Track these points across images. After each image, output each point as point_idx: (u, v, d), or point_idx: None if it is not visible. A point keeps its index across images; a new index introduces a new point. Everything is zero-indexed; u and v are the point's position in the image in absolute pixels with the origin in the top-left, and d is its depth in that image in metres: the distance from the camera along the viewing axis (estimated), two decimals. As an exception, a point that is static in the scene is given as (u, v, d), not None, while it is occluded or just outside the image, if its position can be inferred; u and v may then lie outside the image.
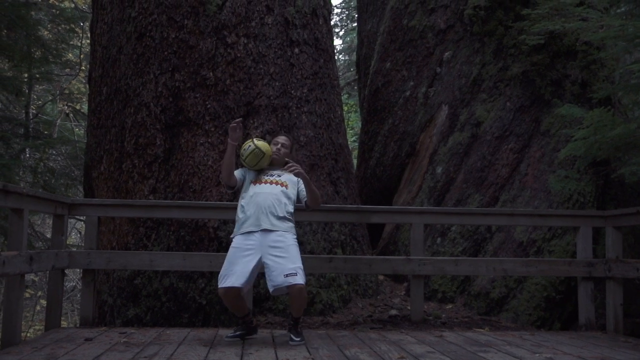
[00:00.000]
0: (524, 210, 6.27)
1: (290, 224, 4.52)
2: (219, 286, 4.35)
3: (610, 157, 6.50)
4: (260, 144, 4.55)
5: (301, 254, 5.97)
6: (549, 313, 6.21)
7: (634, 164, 5.83)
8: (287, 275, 4.25)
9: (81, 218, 11.44)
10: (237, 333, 4.58)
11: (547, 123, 7.05)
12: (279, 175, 4.62)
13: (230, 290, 4.31)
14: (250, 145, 4.52)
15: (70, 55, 13.82)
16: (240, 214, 4.51)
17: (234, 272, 4.31)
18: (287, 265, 4.30)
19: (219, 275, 4.39)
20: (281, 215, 4.44)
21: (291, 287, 4.26)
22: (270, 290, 4.35)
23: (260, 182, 4.55)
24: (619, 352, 4.37)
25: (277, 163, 4.69)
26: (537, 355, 4.15)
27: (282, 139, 4.76)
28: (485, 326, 5.81)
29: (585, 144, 5.90)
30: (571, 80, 7.13)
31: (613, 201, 6.86)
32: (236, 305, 4.47)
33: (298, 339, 4.43)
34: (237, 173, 4.61)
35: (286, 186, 4.57)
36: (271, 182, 4.56)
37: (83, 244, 6.02)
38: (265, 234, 4.39)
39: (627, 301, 5.71)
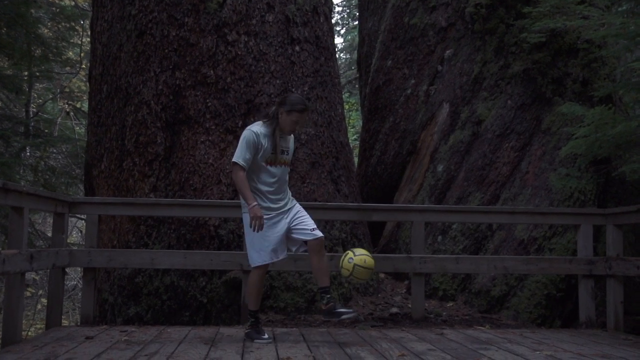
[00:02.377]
0: (524, 208, 6.27)
1: None
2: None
3: (611, 155, 6.50)
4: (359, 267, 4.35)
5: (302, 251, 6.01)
6: (550, 311, 6.21)
7: (634, 162, 5.82)
8: None
9: (82, 217, 11.44)
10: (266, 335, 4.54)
11: (548, 121, 7.04)
12: (288, 153, 4.57)
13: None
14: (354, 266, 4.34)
15: (70, 53, 13.82)
16: (263, 189, 4.44)
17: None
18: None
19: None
20: None
21: None
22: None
23: (276, 164, 4.46)
24: (619, 350, 4.37)
25: (289, 134, 4.58)
26: (538, 352, 4.15)
27: (303, 119, 4.52)
28: (486, 324, 5.81)
29: (586, 142, 5.89)
30: (572, 78, 7.12)
31: (614, 199, 6.86)
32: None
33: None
34: (248, 157, 4.35)
35: (289, 165, 4.66)
36: (285, 164, 4.53)
37: (84, 243, 6.02)
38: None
39: (627, 299, 5.71)
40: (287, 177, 4.61)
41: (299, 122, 4.45)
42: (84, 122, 13.59)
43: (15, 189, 4.24)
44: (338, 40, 23.46)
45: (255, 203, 4.31)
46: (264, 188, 4.42)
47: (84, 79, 14.34)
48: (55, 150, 11.88)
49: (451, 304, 6.53)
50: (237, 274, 5.69)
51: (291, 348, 4.15)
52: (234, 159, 4.35)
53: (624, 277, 5.58)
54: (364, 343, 4.41)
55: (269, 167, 4.42)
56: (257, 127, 4.44)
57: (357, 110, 20.03)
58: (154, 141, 6.16)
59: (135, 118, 6.25)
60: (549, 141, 6.97)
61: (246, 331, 4.53)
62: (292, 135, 4.63)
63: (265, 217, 4.34)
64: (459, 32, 7.80)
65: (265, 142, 4.39)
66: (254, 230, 4.30)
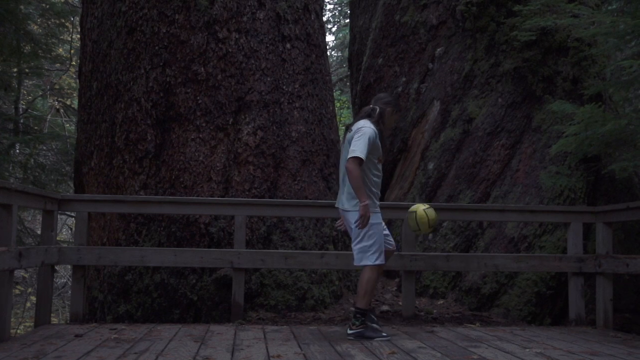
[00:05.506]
0: (515, 206, 6.29)
1: None
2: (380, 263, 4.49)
3: (601, 153, 6.52)
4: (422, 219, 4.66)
5: (293, 249, 6.02)
6: (540, 308, 6.23)
7: (624, 159, 5.85)
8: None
9: (71, 214, 11.40)
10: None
11: (538, 119, 7.06)
12: None
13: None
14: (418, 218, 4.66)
15: (60, 50, 13.76)
16: (374, 189, 4.57)
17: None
18: None
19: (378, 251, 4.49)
20: None
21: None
22: None
23: (381, 162, 4.65)
24: (609, 347, 4.39)
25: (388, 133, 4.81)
26: (528, 350, 4.17)
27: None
28: (476, 322, 5.82)
29: (576, 140, 5.91)
30: (562, 76, 7.14)
31: (603, 197, 6.89)
32: None
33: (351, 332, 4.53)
34: (367, 153, 4.39)
35: None
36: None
37: (73, 240, 5.99)
38: None
39: (616, 296, 5.74)
40: None
41: (397, 121, 4.65)
42: (73, 119, 13.53)
43: (4, 186, 4.21)
44: (329, 38, 23.46)
45: (369, 201, 4.40)
46: (374, 189, 4.56)
47: (74, 76, 14.28)
48: (44, 148, 11.83)
49: (442, 302, 6.55)
50: (228, 271, 5.68)
51: (282, 346, 4.15)
52: (356, 153, 4.30)
53: (613, 274, 5.61)
54: (354, 341, 4.41)
55: (379, 164, 4.57)
56: (373, 126, 4.51)
57: (348, 108, 20.04)
58: (144, 138, 6.13)
59: (126, 115, 6.22)
60: (540, 139, 6.99)
61: (355, 331, 4.46)
62: None
63: (377, 216, 4.51)
64: (450, 30, 7.81)
65: (378, 141, 4.50)
66: (359, 228, 4.38)
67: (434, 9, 8.00)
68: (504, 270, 6.01)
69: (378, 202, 4.58)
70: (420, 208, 4.69)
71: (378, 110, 4.60)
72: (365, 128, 4.42)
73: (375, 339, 4.40)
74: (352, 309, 4.55)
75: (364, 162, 4.36)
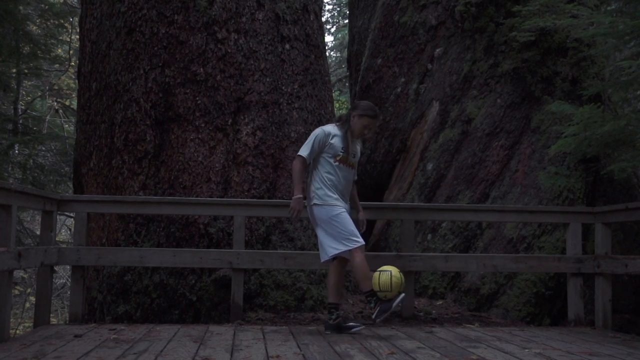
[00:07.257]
0: (514, 206, 6.29)
1: None
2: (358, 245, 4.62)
3: (600, 154, 6.52)
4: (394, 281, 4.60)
5: (292, 250, 6.02)
6: (539, 309, 6.23)
7: (623, 160, 5.85)
8: None
9: (71, 214, 11.40)
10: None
11: (537, 120, 7.07)
12: (355, 155, 4.90)
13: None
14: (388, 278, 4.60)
15: (59, 50, 13.76)
16: (329, 183, 4.73)
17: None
18: None
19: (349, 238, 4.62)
20: None
21: None
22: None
23: (345, 163, 4.79)
24: (607, 348, 4.39)
25: (358, 137, 4.92)
26: (527, 350, 4.17)
27: (373, 124, 4.87)
28: (475, 322, 5.82)
29: (575, 140, 5.92)
30: (562, 77, 7.14)
31: (602, 198, 6.89)
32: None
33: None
34: (310, 152, 4.69)
35: (355, 168, 4.97)
36: (351, 166, 4.85)
37: (72, 241, 5.98)
38: None
39: (615, 297, 5.74)
40: (352, 181, 4.96)
41: (369, 127, 4.83)
42: (73, 120, 13.53)
43: (3, 187, 4.21)
44: (328, 39, 23.47)
45: (301, 196, 4.71)
46: (331, 183, 4.75)
47: (73, 77, 14.28)
48: (44, 148, 11.84)
49: (441, 302, 6.54)
50: (227, 272, 5.67)
51: (281, 346, 4.15)
52: (299, 152, 4.73)
53: (612, 275, 5.61)
54: (353, 341, 4.41)
55: (337, 164, 4.75)
56: (329, 127, 4.84)
57: (347, 108, 20.02)
58: (143, 139, 6.13)
59: (125, 116, 6.22)
60: (539, 140, 6.99)
61: (377, 311, 4.55)
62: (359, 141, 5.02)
63: (337, 207, 4.68)
64: (449, 30, 7.81)
65: (334, 141, 4.74)
66: (292, 217, 4.73)
67: (433, 9, 8.00)
68: (503, 270, 6.01)
69: (336, 196, 4.72)
70: (396, 270, 4.66)
71: (345, 113, 4.93)
72: (316, 130, 4.82)
73: (395, 303, 4.52)
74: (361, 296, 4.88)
75: (317, 160, 4.75)
